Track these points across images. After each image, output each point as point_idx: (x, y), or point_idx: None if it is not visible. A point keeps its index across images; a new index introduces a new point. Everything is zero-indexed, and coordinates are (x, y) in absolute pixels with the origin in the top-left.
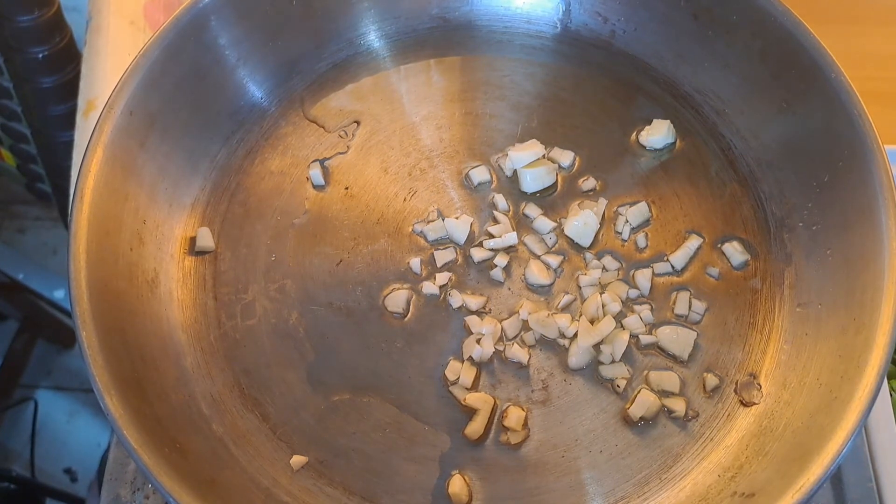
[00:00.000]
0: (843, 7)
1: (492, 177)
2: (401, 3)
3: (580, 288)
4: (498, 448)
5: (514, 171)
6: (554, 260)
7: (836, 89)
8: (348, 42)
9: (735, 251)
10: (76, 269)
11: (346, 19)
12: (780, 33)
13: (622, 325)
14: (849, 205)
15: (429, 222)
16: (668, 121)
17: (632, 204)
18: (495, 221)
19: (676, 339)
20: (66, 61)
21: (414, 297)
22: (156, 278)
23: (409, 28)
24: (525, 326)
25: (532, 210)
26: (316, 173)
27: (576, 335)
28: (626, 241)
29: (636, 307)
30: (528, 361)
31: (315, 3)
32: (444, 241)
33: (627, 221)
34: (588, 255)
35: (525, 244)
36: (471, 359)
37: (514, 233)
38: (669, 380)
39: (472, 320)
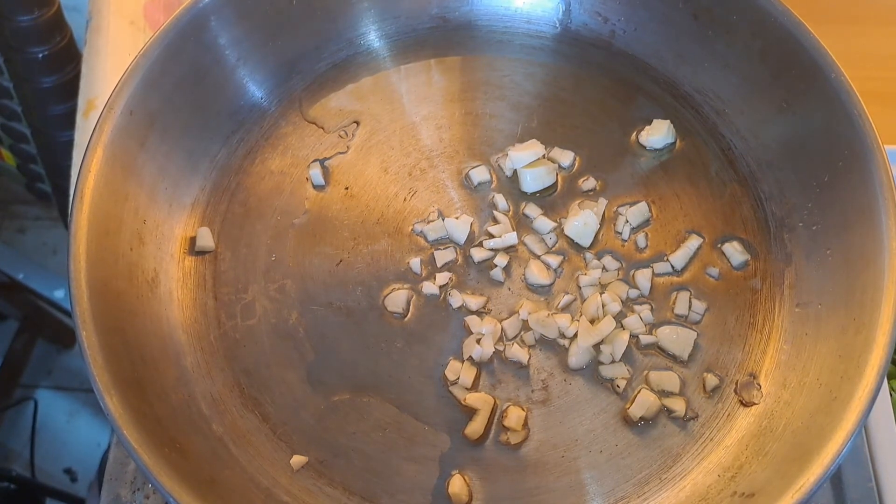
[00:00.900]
0: (843, 7)
1: (492, 177)
2: (401, 3)
3: (580, 288)
4: (498, 448)
5: (514, 171)
6: (554, 260)
7: (836, 89)
8: (348, 42)
9: (735, 251)
10: (76, 269)
11: (346, 19)
12: (780, 33)
13: (622, 325)
14: (849, 205)
15: (429, 222)
16: (668, 121)
17: (632, 204)
18: (495, 221)
19: (676, 339)
20: (66, 61)
21: (414, 297)
22: (156, 278)
23: (409, 28)
24: (525, 326)
25: (532, 210)
26: (316, 173)
27: (576, 335)
28: (626, 241)
29: (636, 307)
30: (528, 361)
31: (315, 3)
32: (444, 241)
33: (627, 221)
34: (588, 255)
35: (525, 244)
36: (471, 359)
37: (514, 233)
38: (669, 380)
39: (472, 320)
